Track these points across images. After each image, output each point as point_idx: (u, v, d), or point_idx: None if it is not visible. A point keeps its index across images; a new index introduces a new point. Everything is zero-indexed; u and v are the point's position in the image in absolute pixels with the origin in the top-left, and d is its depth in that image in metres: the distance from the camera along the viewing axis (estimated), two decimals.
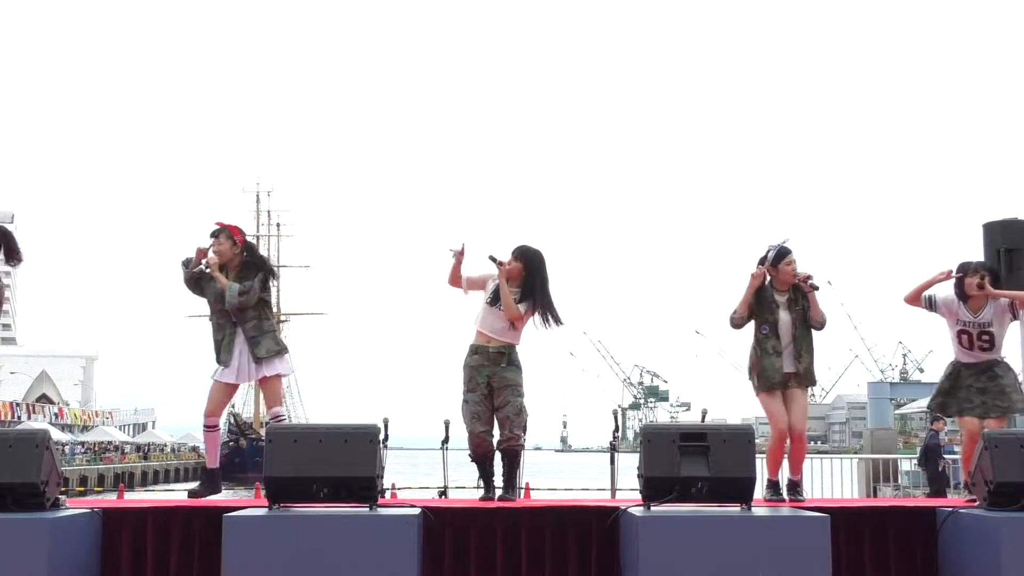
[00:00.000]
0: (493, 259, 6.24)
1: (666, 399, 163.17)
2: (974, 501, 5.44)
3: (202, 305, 6.58)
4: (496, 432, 6.25)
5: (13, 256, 6.06)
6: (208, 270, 6.43)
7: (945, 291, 6.44)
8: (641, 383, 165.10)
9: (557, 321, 6.33)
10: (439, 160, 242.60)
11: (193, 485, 6.91)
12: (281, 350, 6.48)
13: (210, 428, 6.53)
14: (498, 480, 6.20)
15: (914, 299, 6.48)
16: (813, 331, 6.27)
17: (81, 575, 5.06)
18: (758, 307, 6.26)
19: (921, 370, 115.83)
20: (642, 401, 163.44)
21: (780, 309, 6.25)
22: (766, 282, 6.32)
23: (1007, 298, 6.36)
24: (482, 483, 6.30)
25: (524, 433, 6.31)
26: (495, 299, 6.26)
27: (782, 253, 6.28)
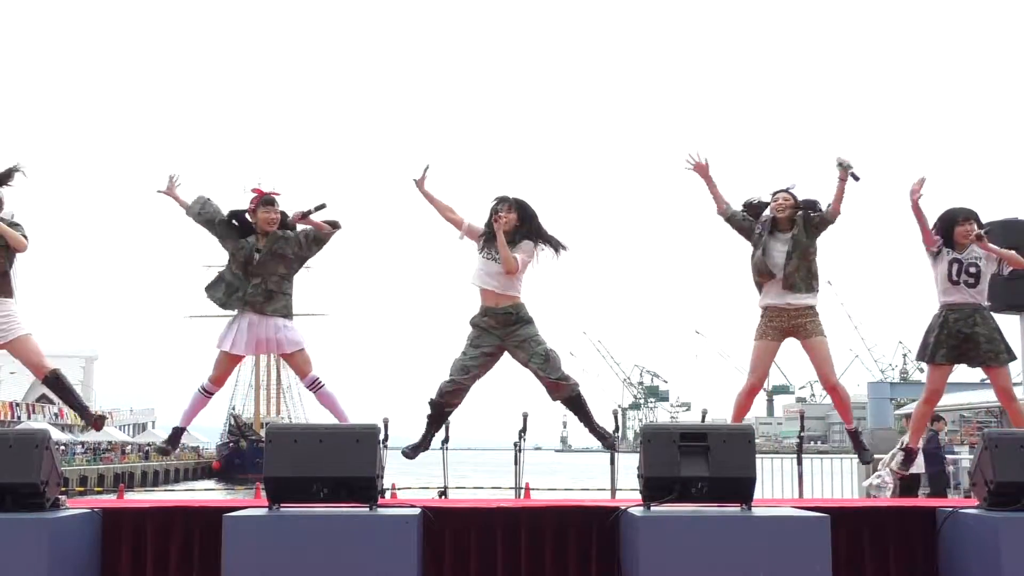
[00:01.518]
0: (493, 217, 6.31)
1: (666, 399, 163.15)
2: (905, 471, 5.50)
3: (203, 305, 6.53)
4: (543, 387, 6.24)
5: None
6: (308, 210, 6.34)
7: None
8: (641, 383, 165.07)
9: (562, 247, 6.39)
10: (440, 160, 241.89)
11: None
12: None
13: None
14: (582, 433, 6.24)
15: (929, 239, 6.47)
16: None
17: (81, 575, 5.07)
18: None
19: (921, 370, 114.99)
20: (642, 401, 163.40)
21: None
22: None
23: (1001, 255, 6.37)
24: (423, 435, 6.32)
25: (569, 377, 6.25)
26: (484, 247, 6.27)
27: (777, 193, 6.53)
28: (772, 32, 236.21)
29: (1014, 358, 6.44)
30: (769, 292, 6.42)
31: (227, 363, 6.47)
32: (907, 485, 13.22)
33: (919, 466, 13.61)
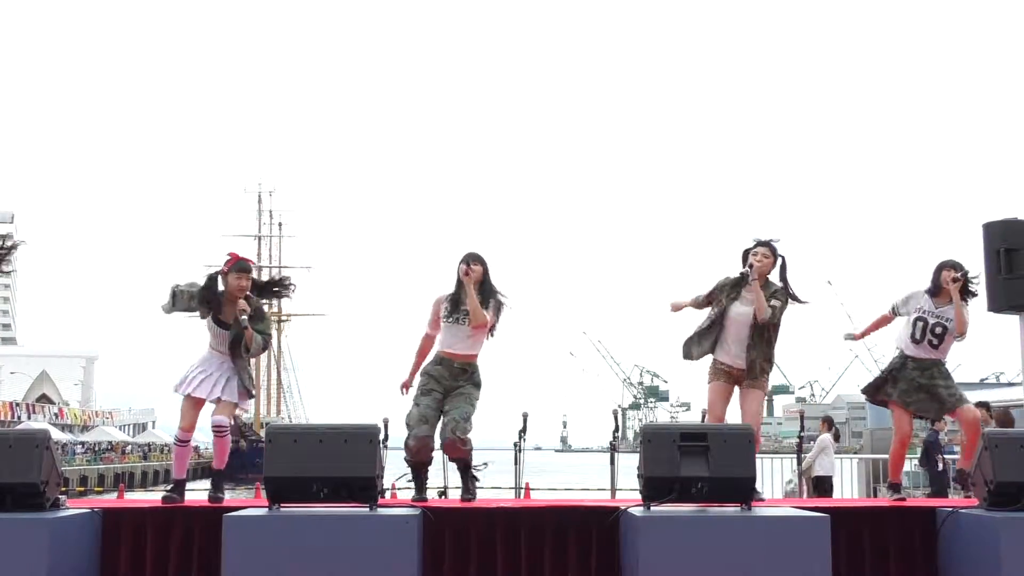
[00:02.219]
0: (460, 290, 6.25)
1: (666, 399, 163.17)
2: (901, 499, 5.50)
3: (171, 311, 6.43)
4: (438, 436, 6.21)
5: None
6: (244, 322, 6.05)
7: (910, 291, 6.58)
8: (641, 383, 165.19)
9: (504, 305, 6.35)
10: (440, 161, 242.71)
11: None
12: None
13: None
14: (449, 482, 6.17)
15: (877, 327, 6.75)
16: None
17: (81, 575, 5.07)
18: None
19: None
20: (642, 401, 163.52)
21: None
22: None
23: (959, 314, 6.41)
24: (416, 489, 6.22)
25: (468, 442, 6.21)
26: (451, 313, 6.26)
27: (757, 245, 6.44)
28: (772, 32, 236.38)
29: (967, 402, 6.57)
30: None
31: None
32: (819, 487, 13.51)
33: (826, 468, 13.81)
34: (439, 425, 6.20)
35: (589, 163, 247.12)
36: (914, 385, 6.42)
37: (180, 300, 6.19)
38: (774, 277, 6.42)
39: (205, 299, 6.15)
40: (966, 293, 6.47)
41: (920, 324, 6.43)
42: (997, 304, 8.92)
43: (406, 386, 6.40)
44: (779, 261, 6.44)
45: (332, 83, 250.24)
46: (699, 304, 6.59)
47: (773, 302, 6.26)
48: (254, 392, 6.40)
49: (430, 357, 6.36)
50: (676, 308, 6.67)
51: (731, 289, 6.42)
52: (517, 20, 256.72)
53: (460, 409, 6.17)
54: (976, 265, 7.69)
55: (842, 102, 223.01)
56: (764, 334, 6.28)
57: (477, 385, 6.31)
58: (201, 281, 6.21)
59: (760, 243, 6.42)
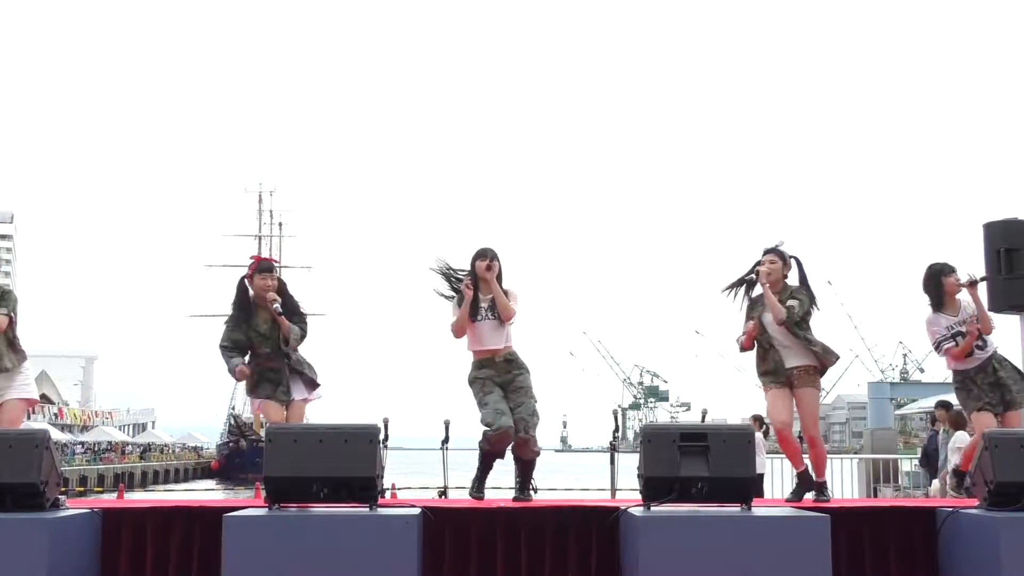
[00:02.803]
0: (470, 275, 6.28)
1: (666, 399, 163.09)
2: (969, 497, 5.45)
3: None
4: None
5: None
6: (278, 309, 6.22)
7: (927, 328, 6.55)
8: (641, 383, 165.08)
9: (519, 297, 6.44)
10: (441, 160, 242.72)
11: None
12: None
13: None
14: (506, 481, 6.25)
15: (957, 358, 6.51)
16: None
17: (81, 575, 5.07)
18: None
19: (921, 370, 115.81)
20: (642, 401, 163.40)
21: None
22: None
23: (979, 313, 6.40)
24: (477, 482, 6.29)
25: (536, 442, 6.34)
26: (474, 314, 6.27)
27: (766, 252, 6.40)
28: (772, 32, 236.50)
29: None
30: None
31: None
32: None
33: (759, 465, 13.82)
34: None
35: (590, 163, 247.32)
36: (985, 388, 6.41)
37: (226, 354, 6.31)
38: (793, 280, 6.41)
39: (241, 305, 6.32)
40: (972, 284, 6.46)
41: (959, 339, 6.42)
42: (997, 304, 8.95)
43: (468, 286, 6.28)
44: (793, 262, 6.43)
45: (332, 83, 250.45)
46: (752, 329, 6.43)
47: (790, 302, 6.23)
48: (318, 381, 6.47)
49: (472, 364, 6.38)
50: (747, 345, 6.46)
51: (759, 303, 6.39)
52: (516, 24, 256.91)
53: (526, 405, 6.25)
54: (977, 265, 7.70)
55: (842, 103, 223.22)
56: (798, 335, 6.23)
57: (528, 370, 6.36)
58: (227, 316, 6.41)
59: (767, 251, 6.41)
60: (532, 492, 6.23)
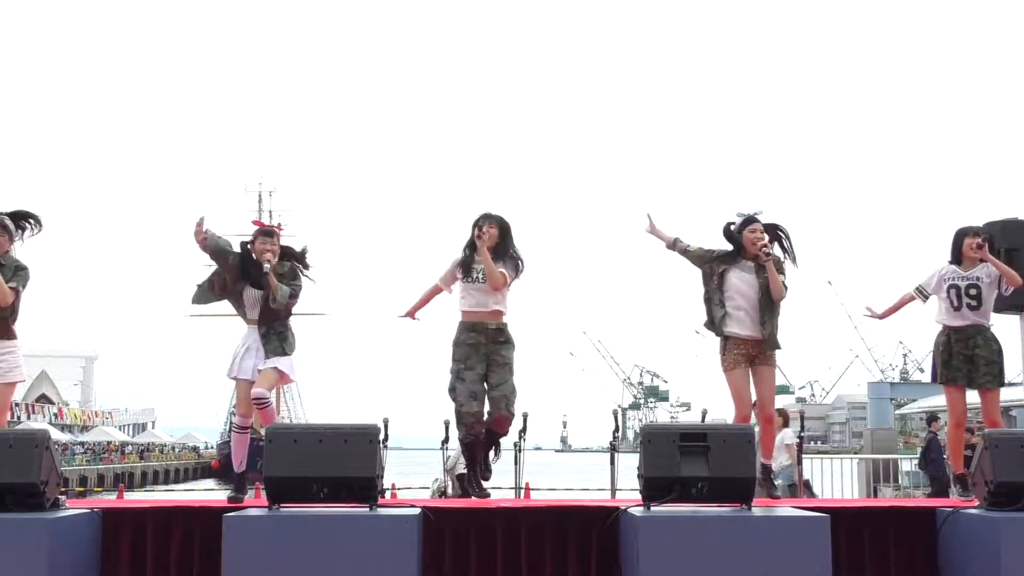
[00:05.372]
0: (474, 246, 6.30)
1: (666, 399, 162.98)
2: (970, 499, 5.43)
3: (202, 305, 6.48)
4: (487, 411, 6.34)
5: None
6: (267, 268, 6.01)
7: (932, 270, 6.56)
8: (641, 383, 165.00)
9: (522, 267, 6.46)
10: (440, 161, 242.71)
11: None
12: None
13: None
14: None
15: (899, 307, 6.63)
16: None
17: (81, 575, 5.07)
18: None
19: (921, 370, 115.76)
20: (642, 401, 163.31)
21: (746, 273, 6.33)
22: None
23: (998, 269, 6.40)
24: (469, 474, 6.34)
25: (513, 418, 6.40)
26: (466, 275, 6.30)
27: (747, 221, 6.43)
28: (772, 31, 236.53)
29: (1003, 384, 6.44)
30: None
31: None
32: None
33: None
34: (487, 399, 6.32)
35: (589, 164, 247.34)
36: (959, 358, 6.34)
37: (199, 293, 6.24)
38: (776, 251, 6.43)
39: (243, 266, 6.16)
40: (992, 250, 6.45)
41: (953, 291, 6.40)
42: (997, 304, 8.93)
43: (410, 315, 6.45)
44: (779, 233, 6.45)
45: (332, 83, 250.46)
46: (676, 248, 6.51)
47: (780, 277, 6.27)
48: (290, 351, 6.11)
49: (459, 326, 6.38)
50: (651, 231, 6.57)
51: (727, 258, 6.38)
52: (515, 25, 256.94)
53: (508, 383, 6.30)
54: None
55: (841, 102, 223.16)
56: (775, 307, 6.26)
57: (513, 345, 6.38)
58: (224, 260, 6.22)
59: (749, 219, 6.41)
60: (489, 472, 6.39)
